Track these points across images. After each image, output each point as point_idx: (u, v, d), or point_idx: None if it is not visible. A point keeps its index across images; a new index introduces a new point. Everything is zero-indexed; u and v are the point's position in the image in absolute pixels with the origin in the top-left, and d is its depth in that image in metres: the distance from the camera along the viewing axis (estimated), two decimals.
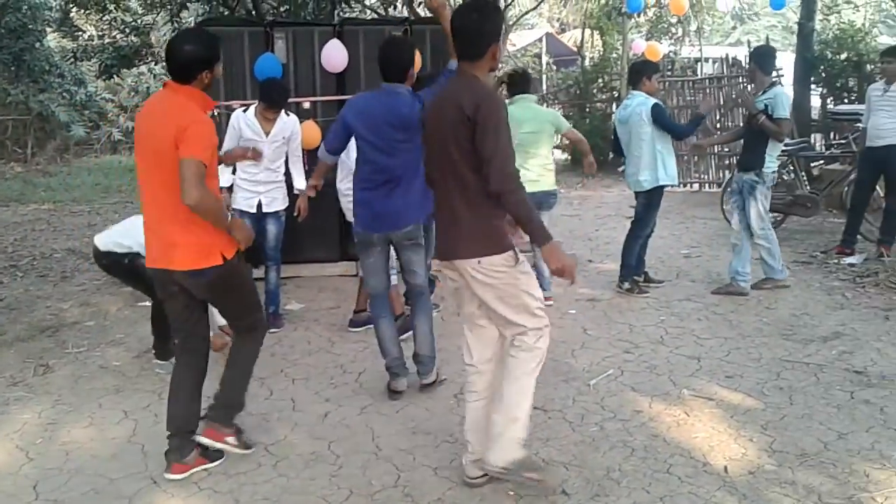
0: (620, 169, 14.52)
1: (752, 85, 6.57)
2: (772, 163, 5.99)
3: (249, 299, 3.56)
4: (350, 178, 4.54)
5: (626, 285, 6.25)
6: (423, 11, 12.52)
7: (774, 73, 10.79)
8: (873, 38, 16.20)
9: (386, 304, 4.38)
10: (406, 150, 3.98)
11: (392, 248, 4.26)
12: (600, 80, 16.07)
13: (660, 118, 5.94)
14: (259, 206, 5.37)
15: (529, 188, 3.29)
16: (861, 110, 7.61)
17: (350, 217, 4.75)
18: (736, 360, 4.66)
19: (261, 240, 5.38)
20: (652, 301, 6.04)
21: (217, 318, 4.52)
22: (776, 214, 8.17)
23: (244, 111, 5.37)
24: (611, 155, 15.17)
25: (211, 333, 3.86)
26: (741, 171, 6.12)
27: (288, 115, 5.46)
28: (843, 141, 9.05)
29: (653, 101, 5.99)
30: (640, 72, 6.16)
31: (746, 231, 6.06)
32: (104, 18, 16.75)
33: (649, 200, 6.21)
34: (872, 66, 10.77)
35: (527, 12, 17.70)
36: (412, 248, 4.17)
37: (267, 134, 5.27)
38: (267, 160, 5.29)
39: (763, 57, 6.23)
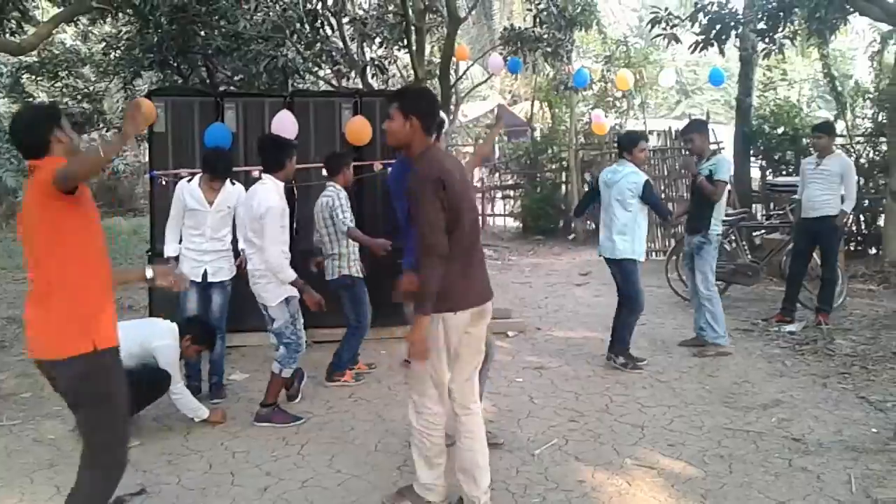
0: (571, 237, 14.84)
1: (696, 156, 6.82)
2: (717, 225, 6.35)
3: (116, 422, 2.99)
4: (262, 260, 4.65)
5: (621, 359, 6.06)
6: (375, 83, 12.76)
7: (715, 145, 11.23)
8: (812, 112, 16.97)
9: None
10: None
11: None
12: (550, 151, 16.46)
13: (649, 196, 5.99)
14: (205, 275, 5.33)
15: None
16: (797, 182, 7.92)
17: (268, 301, 4.75)
18: (678, 429, 4.71)
19: (205, 310, 5.36)
20: (598, 369, 6.10)
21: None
22: (719, 283, 8.35)
23: (188, 181, 5.38)
24: (561, 223, 15.47)
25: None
26: (689, 234, 6.53)
27: (233, 183, 5.47)
28: (781, 211, 9.36)
29: (644, 177, 6.03)
30: (631, 142, 6.22)
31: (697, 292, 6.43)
32: (56, 85, 16.72)
33: (624, 271, 6.12)
34: (807, 140, 11.23)
35: (478, 84, 18.12)
36: None
37: (211, 203, 5.26)
38: (211, 230, 5.29)
39: (698, 125, 6.71)
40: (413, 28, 11.65)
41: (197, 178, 5.37)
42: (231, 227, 5.44)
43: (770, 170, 12.29)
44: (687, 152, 8.74)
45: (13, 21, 9.58)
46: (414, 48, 11.88)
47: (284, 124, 6.55)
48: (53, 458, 4.42)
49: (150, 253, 6.72)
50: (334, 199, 5.56)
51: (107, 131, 19.21)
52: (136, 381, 4.57)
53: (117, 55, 14.03)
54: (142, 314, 7.80)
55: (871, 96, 12.02)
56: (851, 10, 8.43)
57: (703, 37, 9.59)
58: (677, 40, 10.00)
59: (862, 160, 11.25)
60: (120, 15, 11.53)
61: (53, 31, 10.25)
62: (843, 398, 5.23)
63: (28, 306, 2.92)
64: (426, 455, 3.56)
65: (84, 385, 2.87)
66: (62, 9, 9.73)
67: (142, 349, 4.63)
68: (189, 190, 5.28)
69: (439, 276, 3.19)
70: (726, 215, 8.19)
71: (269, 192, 4.62)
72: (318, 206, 5.66)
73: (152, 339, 4.70)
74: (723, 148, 11.36)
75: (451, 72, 13.71)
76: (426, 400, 3.51)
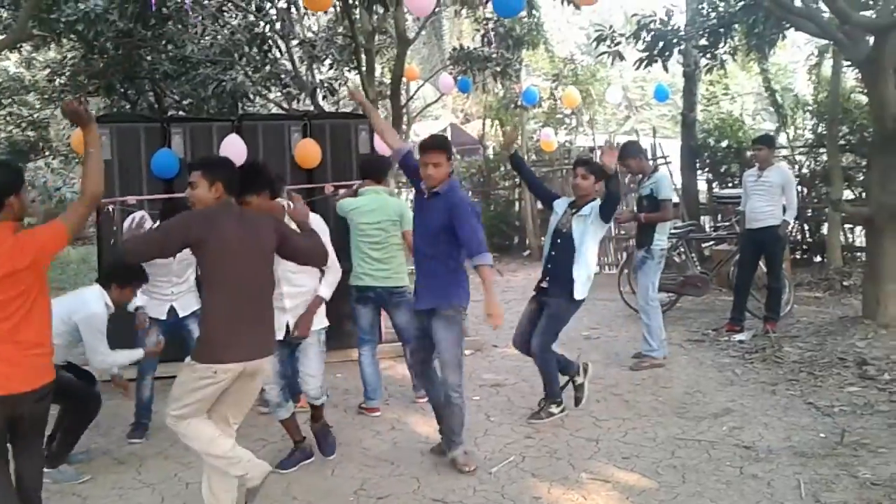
0: (526, 253, 14.93)
1: (637, 175, 7.00)
2: (660, 241, 6.47)
3: None
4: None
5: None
6: (325, 105, 12.74)
7: (663, 159, 11.45)
8: (756, 124, 17.40)
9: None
10: None
11: None
12: (502, 169, 16.60)
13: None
14: (172, 311, 5.23)
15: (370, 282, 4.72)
16: (739, 193, 8.11)
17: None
18: (632, 441, 4.77)
19: (182, 344, 5.16)
20: None
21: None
22: (670, 294, 8.52)
23: (142, 216, 5.01)
24: (516, 239, 15.59)
25: None
26: (637, 248, 6.71)
27: None
28: (727, 223, 9.57)
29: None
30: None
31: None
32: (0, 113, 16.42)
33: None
34: (751, 153, 11.53)
35: (429, 104, 18.23)
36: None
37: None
38: (175, 277, 5.21)
39: (631, 149, 6.70)
40: (362, 49, 11.68)
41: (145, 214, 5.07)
42: (195, 267, 5.25)
43: (716, 182, 12.57)
44: (629, 175, 8.92)
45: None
46: (364, 69, 11.91)
47: (233, 149, 6.52)
48: None
49: (98, 282, 6.58)
50: None
51: (53, 159, 18.92)
52: (63, 411, 4.52)
53: (62, 81, 13.83)
54: None
55: (810, 108, 12.37)
56: (788, 25, 8.68)
57: (646, 54, 9.79)
58: (622, 57, 10.19)
59: (804, 171, 11.56)
60: (64, 41, 11.36)
61: None
62: (791, 405, 5.35)
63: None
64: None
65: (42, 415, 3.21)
66: (2, 37, 9.55)
67: (68, 326, 4.42)
68: None
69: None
70: (675, 228, 8.38)
71: None
72: None
73: (72, 313, 4.47)
74: (669, 162, 11.59)
75: (402, 92, 13.77)
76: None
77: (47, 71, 15.12)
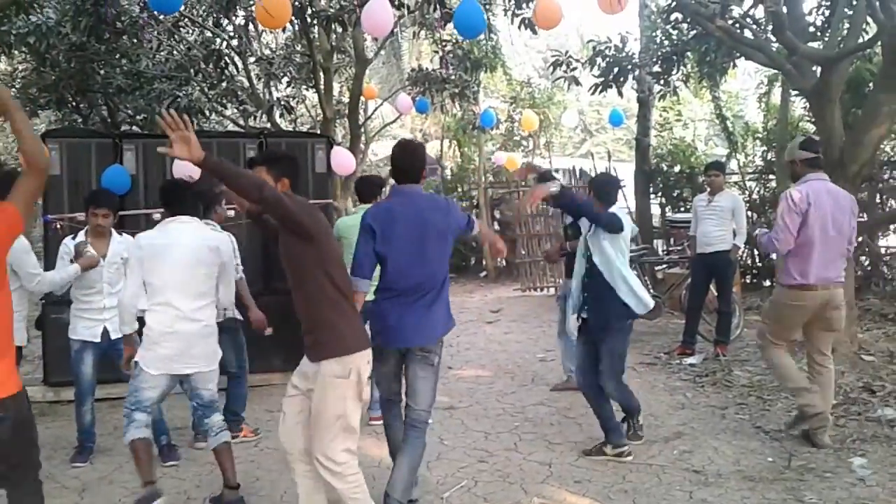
0: (483, 275, 14.96)
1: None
2: None
3: None
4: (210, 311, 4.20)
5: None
6: (282, 123, 12.68)
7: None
8: (709, 149, 17.73)
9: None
10: None
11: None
12: (459, 189, 16.67)
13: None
14: (105, 333, 4.97)
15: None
16: (689, 218, 8.23)
17: (211, 363, 4.12)
18: (584, 465, 4.77)
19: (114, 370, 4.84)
20: (508, 407, 6.14)
21: None
22: None
23: (73, 238, 5.06)
24: (473, 260, 15.61)
25: None
26: (567, 277, 6.48)
27: (121, 234, 5.18)
28: (680, 247, 9.72)
29: None
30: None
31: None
32: None
33: None
34: (704, 179, 11.76)
35: (388, 124, 18.25)
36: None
37: (103, 257, 4.97)
38: (108, 285, 5.00)
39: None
40: (321, 68, 11.68)
41: (81, 232, 5.08)
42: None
43: (669, 206, 12.77)
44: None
45: None
46: (322, 88, 11.90)
47: (186, 167, 6.42)
48: None
49: (43, 300, 6.43)
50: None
51: None
52: None
53: (12, 94, 13.54)
54: (36, 364, 7.44)
55: (760, 136, 12.67)
56: (739, 55, 8.89)
57: (601, 79, 9.95)
58: (578, 83, 10.34)
59: (754, 196, 11.82)
60: (15, 53, 11.14)
61: None
62: (740, 428, 5.41)
63: None
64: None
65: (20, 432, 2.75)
66: None
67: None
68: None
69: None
70: (630, 251, 8.44)
71: (222, 236, 4.37)
72: None
73: None
74: (624, 185, 11.75)
75: (361, 111, 13.78)
76: (340, 455, 3.37)
77: None
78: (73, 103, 12.35)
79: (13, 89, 13.48)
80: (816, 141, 5.23)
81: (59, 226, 6.44)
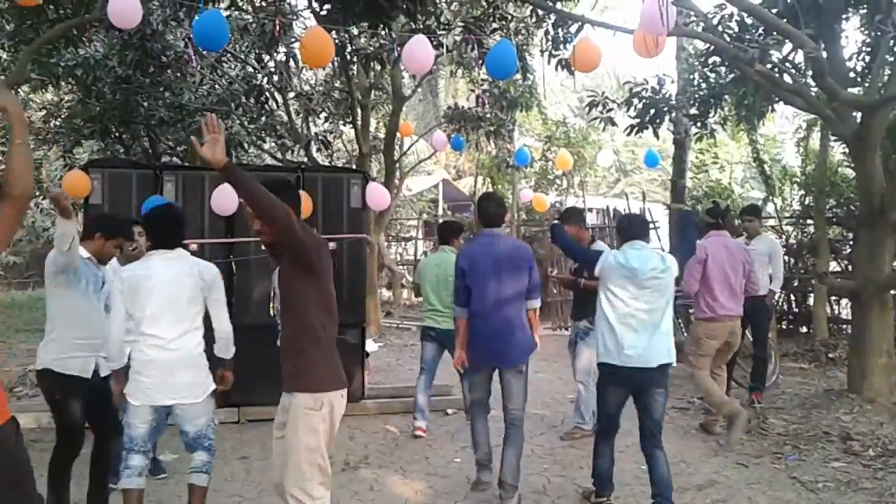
0: None
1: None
2: None
3: None
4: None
5: None
6: (319, 157, 12.84)
7: (653, 224, 11.53)
8: (745, 192, 17.63)
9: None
10: None
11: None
12: None
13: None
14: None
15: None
16: None
17: (198, 395, 3.98)
18: None
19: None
20: (537, 448, 6.06)
21: None
22: None
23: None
24: None
25: None
26: (576, 320, 6.48)
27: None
28: None
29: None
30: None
31: None
32: None
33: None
34: (739, 222, 11.65)
35: (422, 160, 18.39)
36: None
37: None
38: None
39: (571, 214, 6.57)
40: (358, 104, 11.85)
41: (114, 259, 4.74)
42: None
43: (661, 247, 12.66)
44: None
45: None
46: (359, 123, 12.06)
47: (224, 198, 6.52)
48: None
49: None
50: None
51: (43, 199, 18.88)
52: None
53: (57, 123, 13.92)
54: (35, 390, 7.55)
55: (798, 180, 12.55)
56: (777, 99, 8.85)
57: (637, 120, 9.94)
58: (613, 123, 10.34)
59: (791, 241, 11.67)
60: (62, 84, 11.46)
61: None
62: (775, 478, 5.29)
63: None
64: None
65: None
66: (2, 78, 9.62)
67: None
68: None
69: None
70: None
71: (203, 264, 4.19)
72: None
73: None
74: (659, 226, 11.70)
75: (396, 147, 13.92)
76: (315, 489, 3.31)
77: (43, 112, 15.23)
78: (117, 134, 12.63)
79: (58, 119, 13.87)
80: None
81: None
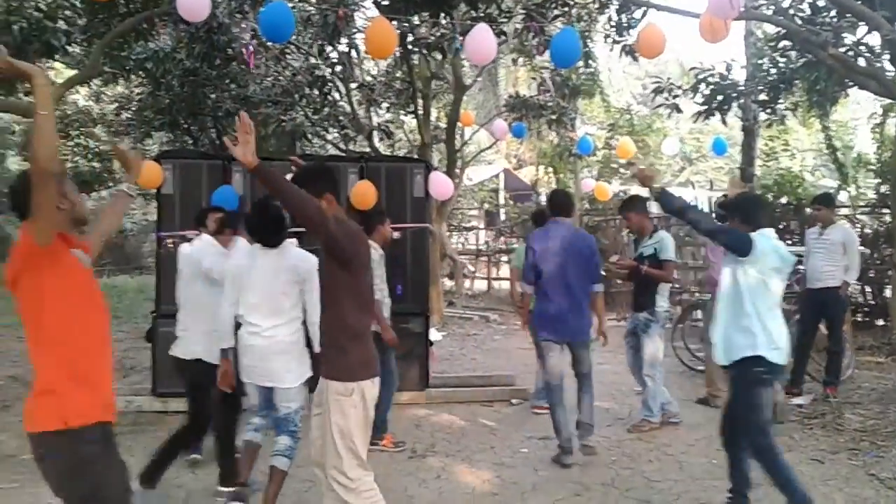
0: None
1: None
2: (663, 303, 6.22)
3: None
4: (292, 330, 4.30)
5: None
6: (381, 147, 12.91)
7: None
8: (817, 181, 17.10)
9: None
10: None
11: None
12: None
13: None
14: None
15: None
16: (802, 252, 7.92)
17: (287, 381, 4.21)
18: None
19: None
20: (603, 440, 5.99)
21: None
22: None
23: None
24: None
25: None
26: (636, 311, 6.36)
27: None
28: (787, 282, 9.34)
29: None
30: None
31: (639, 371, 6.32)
32: (67, 144, 16.97)
33: None
34: (810, 212, 11.32)
35: (483, 149, 18.32)
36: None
37: None
38: None
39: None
40: (419, 94, 11.86)
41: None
42: None
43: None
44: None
45: (25, 82, 9.74)
46: (420, 113, 12.07)
47: None
48: None
49: (154, 313, 6.72)
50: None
51: (114, 187, 19.47)
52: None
53: (128, 116, 14.31)
54: (144, 375, 7.73)
55: (873, 168, 12.11)
56: (851, 83, 8.55)
57: (704, 107, 9.73)
58: (679, 110, 10.14)
59: (866, 231, 11.27)
60: (132, 77, 11.76)
61: (66, 93, 10.44)
62: (852, 475, 5.12)
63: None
64: None
65: (56, 470, 2.59)
66: (76, 72, 9.91)
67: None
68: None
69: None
70: None
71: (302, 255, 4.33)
72: None
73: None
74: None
75: (457, 136, 13.90)
76: (351, 471, 3.36)
77: (115, 105, 15.68)
78: (185, 126, 12.90)
79: (129, 111, 14.24)
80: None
81: (171, 243, 6.70)
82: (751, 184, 11.21)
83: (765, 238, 4.07)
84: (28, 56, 8.88)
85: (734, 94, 9.75)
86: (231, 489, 4.46)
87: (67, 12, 8.97)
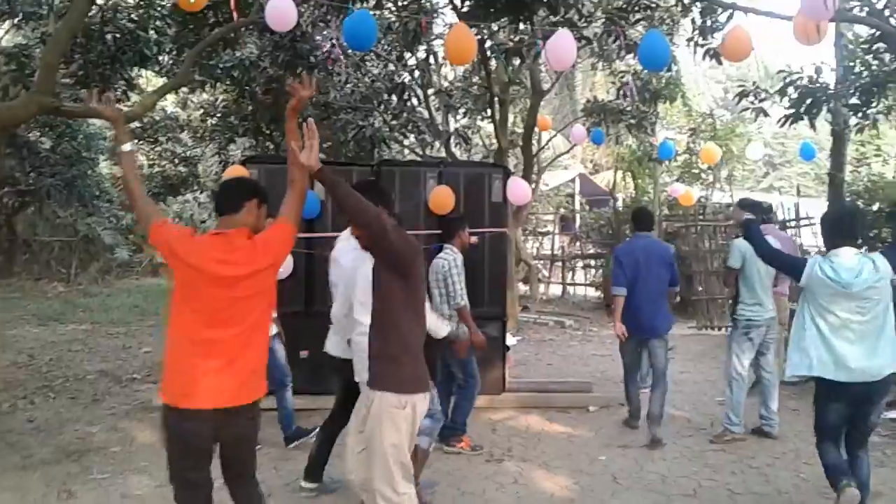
0: None
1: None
2: (744, 310, 6.04)
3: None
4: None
5: None
6: (459, 152, 12.97)
7: (805, 221, 10.93)
8: None
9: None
10: None
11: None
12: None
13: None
14: None
15: None
16: None
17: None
18: None
19: None
20: (685, 450, 5.88)
21: None
22: None
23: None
24: None
25: None
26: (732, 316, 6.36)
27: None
28: None
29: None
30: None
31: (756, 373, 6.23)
32: (155, 149, 17.62)
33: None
34: None
35: (560, 154, 18.21)
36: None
37: None
38: None
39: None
40: (497, 99, 11.86)
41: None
42: None
43: (865, 247, 11.84)
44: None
45: (118, 90, 10.18)
46: (497, 118, 12.07)
47: None
48: None
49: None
50: (450, 262, 5.51)
51: (200, 193, 20.09)
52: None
53: (213, 122, 14.74)
54: None
55: None
56: None
57: (792, 111, 9.43)
58: (765, 114, 9.87)
59: None
60: (218, 84, 12.13)
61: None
62: None
63: None
64: None
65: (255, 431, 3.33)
66: (167, 80, 10.28)
67: None
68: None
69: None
70: None
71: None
72: (434, 266, 5.58)
73: None
74: (813, 223, 11.06)
75: (534, 141, 13.85)
76: (400, 485, 3.36)
77: (200, 111, 16.19)
78: (267, 132, 13.23)
79: (214, 118, 14.69)
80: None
81: None
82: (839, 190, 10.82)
83: (823, 262, 4.15)
84: (122, 65, 9.30)
85: (824, 98, 9.41)
86: (313, 485, 4.58)
87: (158, 23, 9.34)
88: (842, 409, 4.16)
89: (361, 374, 3.96)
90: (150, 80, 16.23)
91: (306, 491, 4.74)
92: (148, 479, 5.09)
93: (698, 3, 9.29)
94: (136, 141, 16.37)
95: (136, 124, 15.45)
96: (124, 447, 5.85)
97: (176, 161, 17.97)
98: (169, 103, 18.52)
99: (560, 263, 18.51)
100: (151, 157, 18.34)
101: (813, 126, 9.80)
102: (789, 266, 4.56)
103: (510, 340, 7.89)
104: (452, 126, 13.40)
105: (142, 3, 9.26)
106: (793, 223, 11.26)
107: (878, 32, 8.31)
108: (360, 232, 3.35)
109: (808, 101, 9.24)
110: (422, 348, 3.47)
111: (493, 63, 11.30)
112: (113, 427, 6.39)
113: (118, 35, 8.95)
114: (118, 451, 5.76)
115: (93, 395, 7.59)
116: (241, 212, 3.18)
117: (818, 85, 9.34)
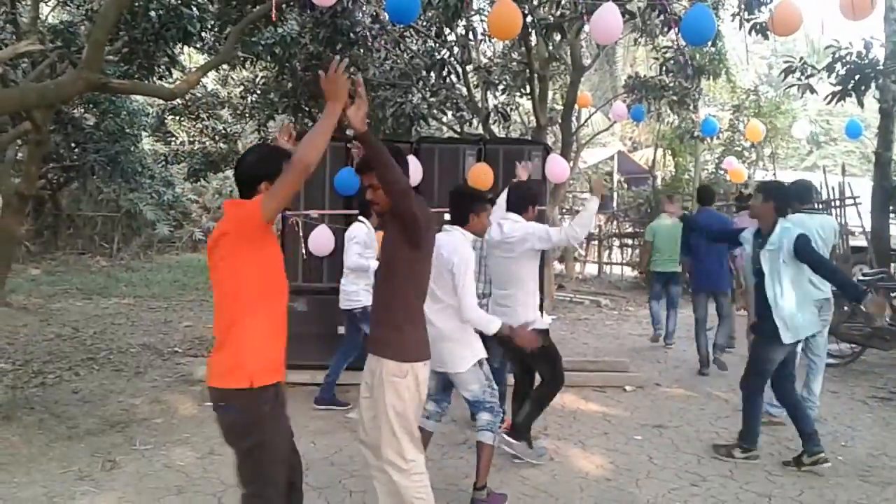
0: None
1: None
2: None
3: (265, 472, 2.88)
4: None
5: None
6: (497, 129, 12.90)
7: (850, 201, 10.73)
8: None
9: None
10: None
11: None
12: None
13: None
14: None
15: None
16: None
17: (457, 367, 4.12)
18: (808, 502, 4.44)
19: None
20: (722, 431, 5.85)
21: None
22: (854, 346, 7.94)
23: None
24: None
25: None
26: None
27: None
28: None
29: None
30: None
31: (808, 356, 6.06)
32: (196, 126, 17.79)
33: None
34: None
35: (600, 132, 18.02)
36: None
37: None
38: None
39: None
40: (536, 76, 11.76)
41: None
42: None
43: None
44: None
45: (162, 66, 10.30)
46: (537, 95, 11.98)
47: (416, 169, 6.71)
48: (182, 485, 4.60)
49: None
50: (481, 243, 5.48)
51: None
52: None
53: (254, 99, 14.83)
54: None
55: None
56: None
57: (839, 87, 9.22)
58: (812, 91, 9.66)
59: None
60: (258, 60, 12.18)
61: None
62: None
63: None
64: None
65: (235, 425, 2.84)
66: (208, 57, 10.37)
67: None
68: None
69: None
70: (863, 275, 7.81)
71: (460, 241, 4.15)
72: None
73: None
74: (860, 203, 10.83)
75: (573, 119, 13.72)
76: (408, 453, 3.40)
77: (241, 88, 16.30)
78: (307, 108, 13.28)
79: (255, 95, 14.79)
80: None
81: (295, 221, 6.96)
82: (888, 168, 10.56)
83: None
84: (166, 42, 9.40)
85: (872, 75, 9.19)
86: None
87: (201, 0, 9.41)
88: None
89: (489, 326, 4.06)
90: (191, 56, 16.37)
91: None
92: (190, 451, 5.21)
93: None
94: (179, 118, 16.58)
95: (178, 101, 15.63)
96: (166, 419, 5.99)
97: (216, 138, 18.12)
98: (210, 80, 18.66)
99: (596, 242, 18.40)
100: (192, 133, 18.54)
101: (861, 103, 9.58)
102: (842, 284, 4.87)
103: (546, 319, 7.89)
104: (491, 103, 13.30)
105: None
106: (836, 202, 11.03)
107: None
108: (383, 193, 3.31)
109: (856, 77, 9.05)
110: (423, 317, 3.51)
111: (533, 39, 11.19)
112: (155, 399, 6.55)
113: (162, 12, 9.03)
114: (161, 423, 5.90)
115: (136, 367, 7.77)
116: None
117: (867, 61, 9.12)
